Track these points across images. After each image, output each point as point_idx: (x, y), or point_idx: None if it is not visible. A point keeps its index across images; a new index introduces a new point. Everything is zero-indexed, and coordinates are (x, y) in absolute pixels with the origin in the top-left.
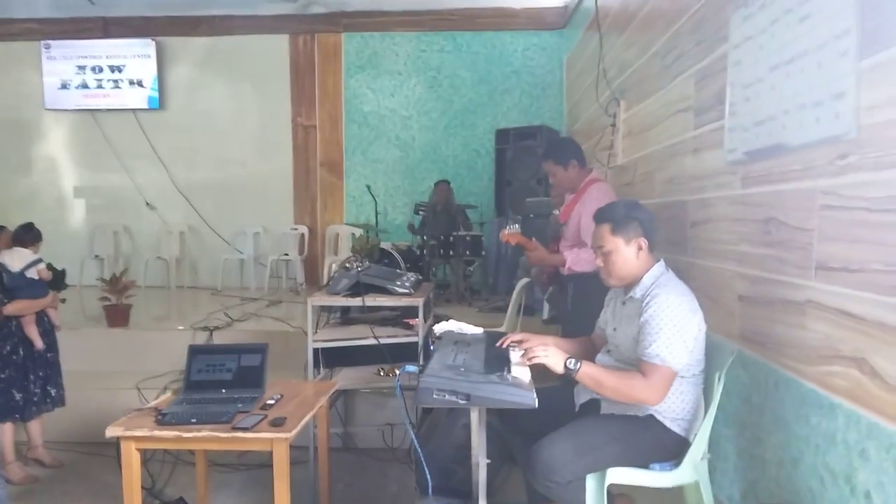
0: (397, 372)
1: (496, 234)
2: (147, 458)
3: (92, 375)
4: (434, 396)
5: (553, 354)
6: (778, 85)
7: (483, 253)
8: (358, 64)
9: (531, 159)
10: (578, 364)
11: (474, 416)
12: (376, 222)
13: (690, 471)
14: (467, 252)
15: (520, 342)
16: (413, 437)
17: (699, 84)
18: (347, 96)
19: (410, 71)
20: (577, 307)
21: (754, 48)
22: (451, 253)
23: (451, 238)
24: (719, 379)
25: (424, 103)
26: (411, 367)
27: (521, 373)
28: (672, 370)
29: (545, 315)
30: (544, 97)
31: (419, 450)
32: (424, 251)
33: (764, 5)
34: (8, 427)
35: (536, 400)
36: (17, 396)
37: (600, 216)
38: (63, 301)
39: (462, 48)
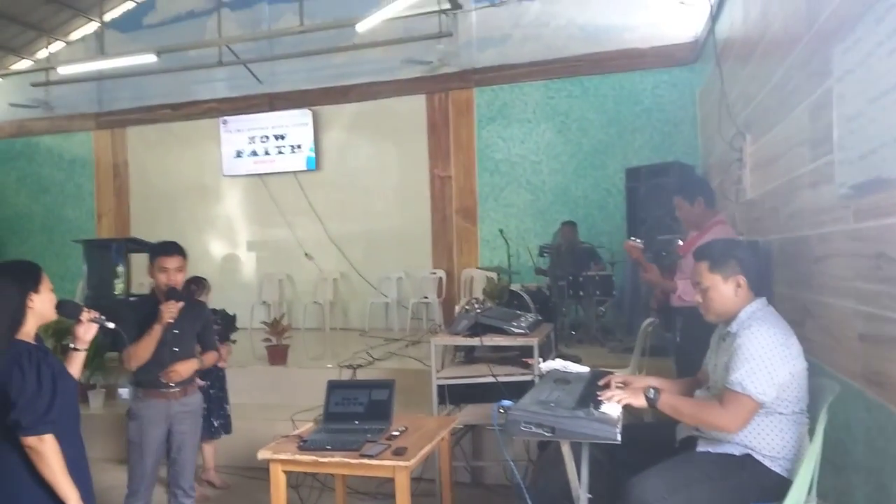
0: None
1: (630, 274)
2: (298, 483)
3: (256, 407)
4: (522, 428)
5: (634, 393)
6: (877, 118)
7: (614, 293)
8: (489, 115)
9: (665, 196)
10: (658, 394)
11: (565, 450)
12: (508, 265)
13: None
14: (597, 292)
15: (623, 384)
16: (514, 470)
17: (812, 116)
18: (480, 146)
19: (539, 118)
20: (686, 340)
21: (854, 81)
22: (580, 293)
23: (581, 278)
24: (820, 417)
25: (554, 147)
26: (507, 402)
27: (610, 409)
28: (753, 400)
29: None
30: (677, 133)
31: (521, 483)
32: (553, 291)
33: (859, 39)
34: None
35: (619, 435)
36: None
37: (699, 253)
38: (234, 342)
39: (590, 92)
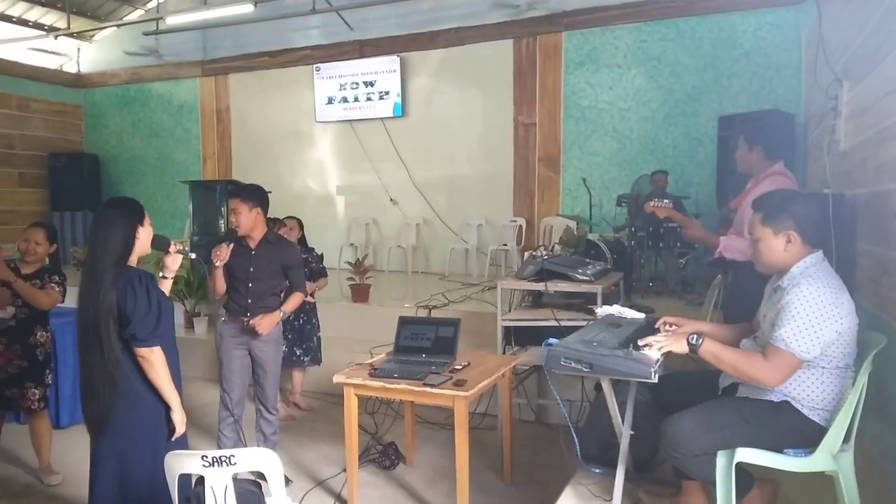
0: None
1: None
2: (375, 410)
3: (339, 340)
4: (562, 363)
5: (676, 339)
6: None
7: (696, 246)
8: (577, 60)
9: (768, 145)
10: (700, 340)
11: (606, 387)
12: (590, 214)
13: (827, 460)
14: (678, 244)
15: (674, 325)
16: (561, 407)
17: None
18: (566, 93)
19: (630, 63)
20: (733, 294)
21: None
22: (660, 245)
23: (661, 230)
24: (863, 367)
25: (644, 94)
26: (553, 340)
27: (651, 351)
28: (796, 357)
29: None
30: (778, 79)
31: (568, 420)
32: (632, 243)
33: None
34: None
35: (656, 375)
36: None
37: (755, 204)
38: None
39: (685, 35)
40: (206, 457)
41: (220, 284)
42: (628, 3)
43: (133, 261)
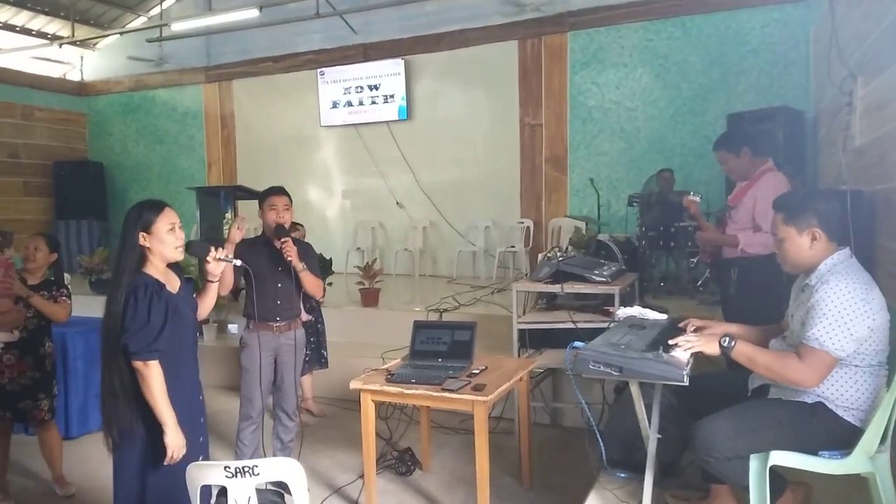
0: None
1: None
2: (388, 415)
3: (349, 345)
4: (591, 367)
5: (708, 340)
6: None
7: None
8: (583, 60)
9: (769, 143)
10: (733, 342)
11: (634, 390)
12: (598, 215)
13: (863, 461)
14: (689, 243)
15: (701, 328)
16: (585, 410)
17: None
18: (572, 93)
19: (636, 62)
20: (741, 291)
21: None
22: (671, 244)
23: (672, 229)
24: None
25: (651, 93)
26: (579, 343)
27: (680, 353)
28: (831, 356)
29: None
30: (787, 75)
31: (593, 424)
32: (643, 242)
33: None
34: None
35: (687, 378)
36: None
37: (776, 204)
38: (330, 285)
39: (692, 33)
40: (229, 467)
41: (229, 279)
42: (634, 2)
43: (155, 267)
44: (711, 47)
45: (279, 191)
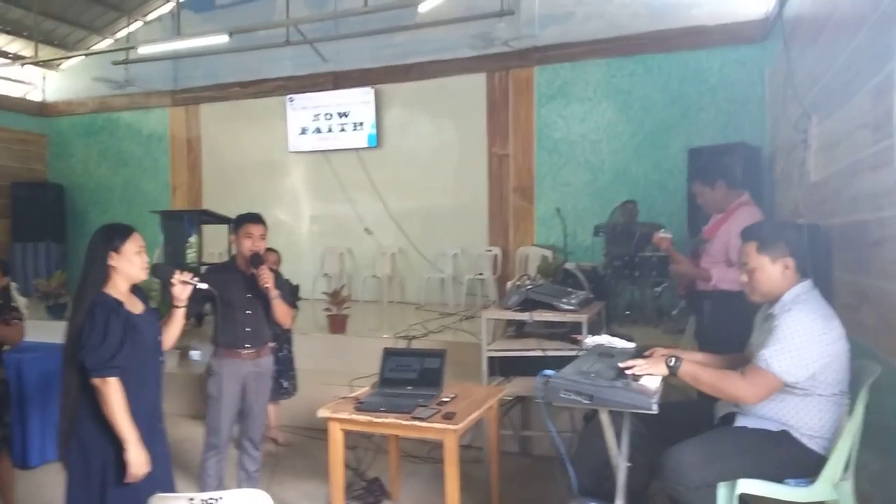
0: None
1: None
2: (354, 445)
3: (316, 372)
4: (561, 395)
5: (655, 362)
6: None
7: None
8: (549, 94)
9: (728, 178)
10: (679, 363)
11: (604, 419)
12: (564, 244)
13: (828, 489)
14: (654, 273)
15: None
16: (556, 439)
17: (875, 99)
18: (539, 125)
19: (600, 97)
20: (715, 324)
21: None
22: (636, 273)
23: (637, 259)
24: (860, 396)
25: (614, 127)
26: (549, 371)
27: (649, 381)
28: (775, 378)
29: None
30: (744, 113)
31: (562, 453)
32: (609, 271)
33: None
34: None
35: (656, 406)
36: None
37: (747, 234)
38: (297, 309)
39: (653, 70)
40: (194, 499)
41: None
42: (597, 40)
43: (117, 287)
44: (672, 85)
45: (256, 218)
